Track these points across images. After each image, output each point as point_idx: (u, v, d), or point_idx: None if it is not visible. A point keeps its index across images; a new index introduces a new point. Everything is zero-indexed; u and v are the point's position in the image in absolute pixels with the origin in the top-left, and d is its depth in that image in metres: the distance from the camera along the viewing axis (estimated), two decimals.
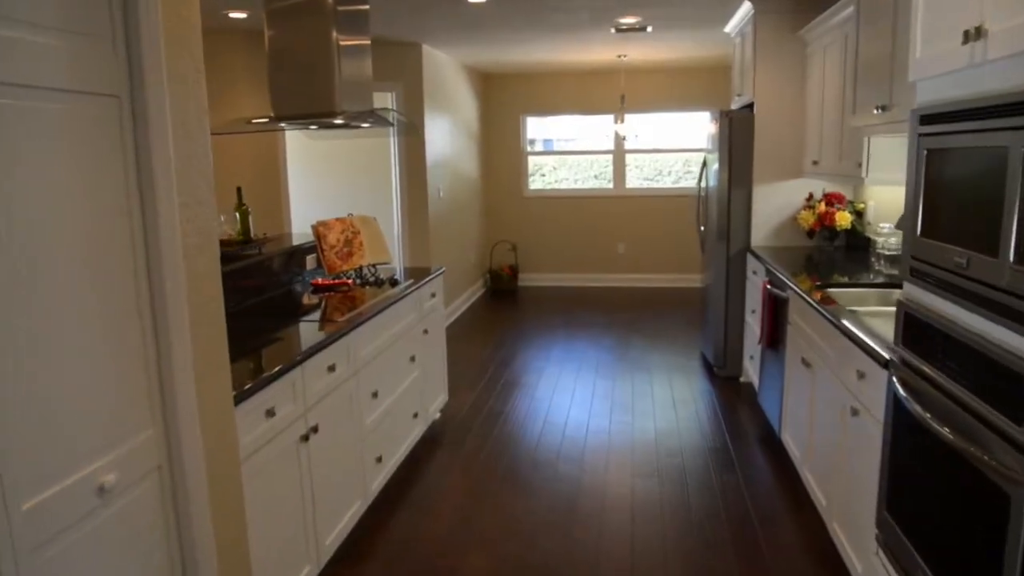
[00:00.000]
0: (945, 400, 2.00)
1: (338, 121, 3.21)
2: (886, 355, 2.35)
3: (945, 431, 1.98)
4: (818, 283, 3.64)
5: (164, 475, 1.84)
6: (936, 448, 2.04)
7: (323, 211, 6.26)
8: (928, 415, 2.06)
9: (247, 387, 2.23)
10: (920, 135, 2.08)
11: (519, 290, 8.88)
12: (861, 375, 2.58)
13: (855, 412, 2.63)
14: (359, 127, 3.47)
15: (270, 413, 2.38)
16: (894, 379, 2.25)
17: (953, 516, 1.96)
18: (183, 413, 1.85)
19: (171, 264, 1.77)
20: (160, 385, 1.81)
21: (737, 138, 5.07)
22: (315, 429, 2.70)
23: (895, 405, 2.27)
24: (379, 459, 3.41)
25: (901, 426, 2.25)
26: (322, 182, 7.29)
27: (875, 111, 3.19)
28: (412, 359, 3.91)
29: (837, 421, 2.86)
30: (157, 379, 1.80)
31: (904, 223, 2.25)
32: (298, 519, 2.63)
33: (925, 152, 2.05)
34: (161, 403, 1.81)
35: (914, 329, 2.18)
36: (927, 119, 2.05)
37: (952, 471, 1.96)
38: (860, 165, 3.58)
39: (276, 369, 2.40)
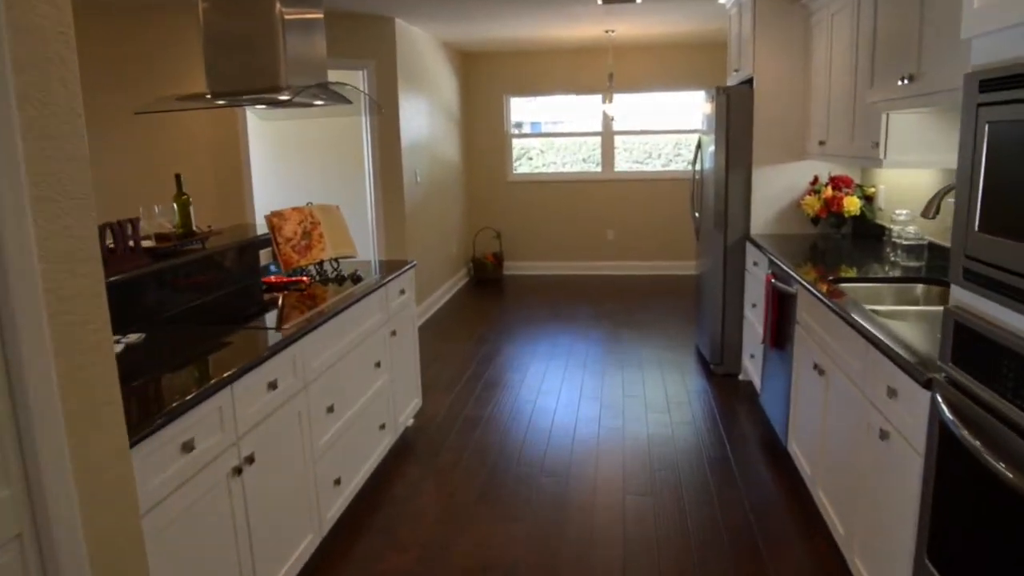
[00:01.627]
0: (1008, 432, 1.62)
1: (283, 97, 2.79)
2: (928, 372, 1.96)
3: (1002, 467, 1.61)
4: (830, 278, 3.26)
5: (27, 545, 1.43)
6: (994, 488, 1.66)
7: (292, 200, 5.84)
8: (983, 447, 1.68)
9: (151, 421, 1.82)
10: (979, 105, 1.68)
11: (504, 279, 8.47)
12: (892, 392, 2.19)
13: (884, 435, 2.25)
14: (311, 104, 3.05)
15: (187, 447, 1.98)
16: (940, 401, 1.87)
17: (1014, 571, 1.59)
18: (49, 465, 1.44)
19: (20, 277, 1.36)
20: (16, 433, 1.40)
21: (735, 117, 4.67)
22: (250, 459, 2.30)
23: (941, 433, 1.88)
24: (337, 481, 3.01)
25: (947, 458, 1.87)
26: (291, 169, 6.84)
27: (899, 82, 2.78)
28: (377, 365, 3.50)
29: (860, 441, 2.47)
30: (12, 426, 1.39)
31: (954, 214, 1.85)
32: (231, 568, 2.23)
33: (986, 126, 1.65)
34: (18, 455, 1.41)
35: (967, 343, 1.79)
36: (989, 84, 1.65)
37: (1014, 516, 1.58)
38: (877, 145, 3.18)
39: (191, 395, 1.99)
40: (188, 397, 1.97)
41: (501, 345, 5.92)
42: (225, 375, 2.15)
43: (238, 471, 2.23)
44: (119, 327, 2.57)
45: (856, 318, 2.52)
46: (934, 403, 1.90)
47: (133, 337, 2.53)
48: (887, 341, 2.24)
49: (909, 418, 2.08)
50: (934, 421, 1.91)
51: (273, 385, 2.44)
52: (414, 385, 4.13)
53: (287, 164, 6.84)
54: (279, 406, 2.50)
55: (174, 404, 1.91)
